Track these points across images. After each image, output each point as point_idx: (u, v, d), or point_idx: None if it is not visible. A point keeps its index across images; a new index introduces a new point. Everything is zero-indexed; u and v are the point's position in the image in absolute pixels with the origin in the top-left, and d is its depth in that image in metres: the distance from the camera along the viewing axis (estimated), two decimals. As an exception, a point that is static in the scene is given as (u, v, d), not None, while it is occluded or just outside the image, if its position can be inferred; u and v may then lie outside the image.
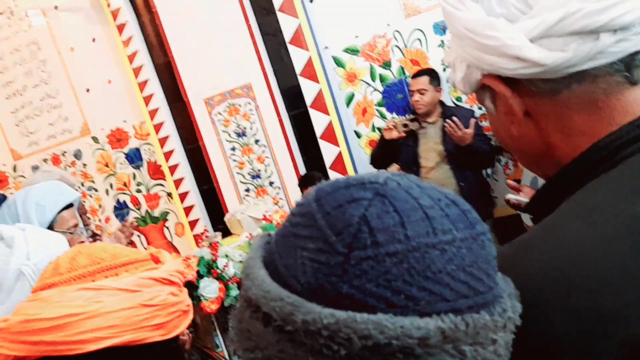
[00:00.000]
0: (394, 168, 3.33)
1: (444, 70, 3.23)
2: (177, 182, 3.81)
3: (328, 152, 3.46)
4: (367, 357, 0.36)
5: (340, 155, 3.44)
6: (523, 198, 1.80)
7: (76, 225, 1.79)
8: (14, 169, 4.31)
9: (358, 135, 3.57)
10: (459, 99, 3.32)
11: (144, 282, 0.81)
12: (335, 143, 3.43)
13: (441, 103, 3.17)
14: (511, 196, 1.83)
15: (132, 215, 4.07)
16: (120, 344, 0.74)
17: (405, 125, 3.11)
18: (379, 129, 3.44)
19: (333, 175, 3.47)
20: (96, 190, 4.11)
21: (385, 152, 3.23)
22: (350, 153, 3.47)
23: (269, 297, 0.40)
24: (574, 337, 0.46)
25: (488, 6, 0.57)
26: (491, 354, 0.39)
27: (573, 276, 0.48)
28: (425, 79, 3.09)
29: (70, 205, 1.82)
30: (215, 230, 3.84)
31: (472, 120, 2.85)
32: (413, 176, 0.44)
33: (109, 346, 0.74)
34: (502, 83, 0.59)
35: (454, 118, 2.84)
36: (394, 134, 3.10)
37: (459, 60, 0.63)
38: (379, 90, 3.49)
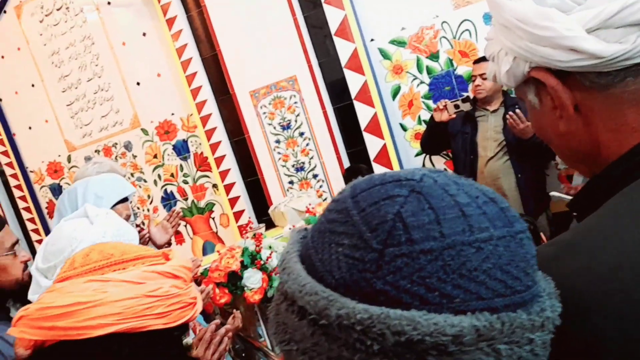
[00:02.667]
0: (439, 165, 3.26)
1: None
2: (223, 174, 3.86)
3: (372, 144, 3.43)
4: (400, 352, 0.36)
5: (384, 147, 3.41)
6: (566, 195, 1.75)
7: (128, 217, 1.86)
8: (69, 160, 4.47)
9: (404, 128, 3.52)
10: (510, 91, 3.22)
11: (148, 275, 0.87)
12: (380, 136, 3.39)
13: (504, 92, 3.08)
14: (554, 193, 1.78)
15: (179, 206, 4.16)
16: (123, 330, 0.80)
17: (456, 107, 3.02)
18: (425, 122, 3.38)
19: (377, 168, 3.44)
20: (145, 180, 4.22)
21: (436, 135, 3.16)
22: (395, 146, 3.42)
23: (304, 291, 0.40)
24: (620, 343, 0.44)
25: None
26: (527, 354, 0.38)
27: (622, 281, 0.46)
28: (488, 64, 3.00)
29: (125, 199, 1.88)
30: (259, 222, 3.87)
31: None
32: (450, 173, 0.44)
33: (114, 332, 0.80)
34: (553, 76, 0.57)
35: (517, 111, 2.75)
36: (445, 116, 3.03)
37: (505, 51, 0.60)
38: (425, 83, 3.43)
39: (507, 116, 2.79)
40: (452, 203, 0.40)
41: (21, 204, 4.64)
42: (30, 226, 4.64)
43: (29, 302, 1.49)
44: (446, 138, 3.15)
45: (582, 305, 0.46)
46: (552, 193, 1.78)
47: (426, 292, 0.37)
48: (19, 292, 1.44)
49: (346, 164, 3.59)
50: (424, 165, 3.51)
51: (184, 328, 0.92)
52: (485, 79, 2.98)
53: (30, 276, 1.48)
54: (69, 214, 1.81)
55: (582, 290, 0.47)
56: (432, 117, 3.14)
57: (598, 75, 0.54)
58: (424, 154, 3.48)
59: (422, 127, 3.42)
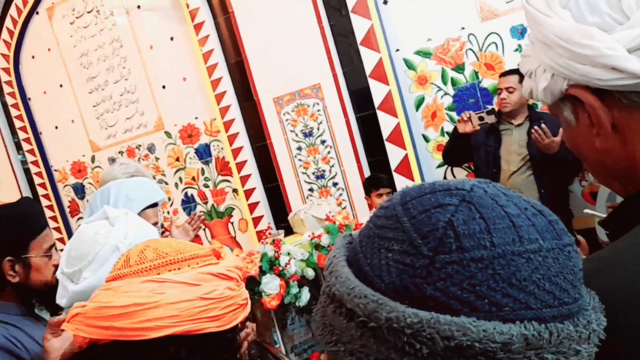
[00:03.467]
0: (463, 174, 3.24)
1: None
2: (244, 179, 3.88)
3: (394, 154, 3.42)
4: (449, 357, 0.37)
5: (406, 158, 3.40)
6: (600, 213, 1.74)
7: (156, 223, 1.87)
8: (92, 160, 4.54)
9: (426, 139, 3.51)
10: (534, 105, 3.19)
11: (203, 277, 0.86)
12: (402, 146, 3.38)
13: (529, 106, 3.05)
14: (588, 211, 1.77)
15: (198, 209, 4.19)
16: (179, 332, 0.80)
17: (481, 119, 3.00)
18: (448, 134, 3.36)
19: (398, 178, 3.43)
20: (166, 183, 4.26)
21: (458, 147, 3.14)
22: (416, 156, 3.41)
23: (353, 294, 0.41)
24: None
25: (579, 14, 0.54)
26: None
27: None
28: (514, 78, 2.98)
29: (155, 204, 1.90)
30: (277, 228, 3.88)
31: (562, 129, 2.72)
32: (499, 184, 0.45)
33: (170, 334, 0.79)
34: (591, 94, 0.57)
35: (543, 125, 2.72)
36: (468, 127, 3.01)
37: (543, 68, 0.61)
38: (450, 94, 3.42)
39: (532, 131, 2.76)
40: (502, 213, 0.41)
41: (44, 202, 4.71)
42: (52, 224, 4.71)
43: (55, 304, 1.51)
44: (469, 150, 3.13)
45: (617, 322, 0.46)
46: (586, 210, 1.77)
47: (476, 299, 0.38)
48: (45, 293, 1.46)
49: (367, 173, 3.58)
50: (445, 177, 3.49)
51: (235, 330, 0.91)
52: (511, 92, 2.96)
53: (57, 280, 1.51)
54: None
55: (617, 307, 0.47)
56: (455, 129, 3.12)
57: (637, 95, 0.54)
58: (445, 166, 3.46)
59: (445, 139, 3.40)
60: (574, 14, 0.55)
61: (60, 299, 1.28)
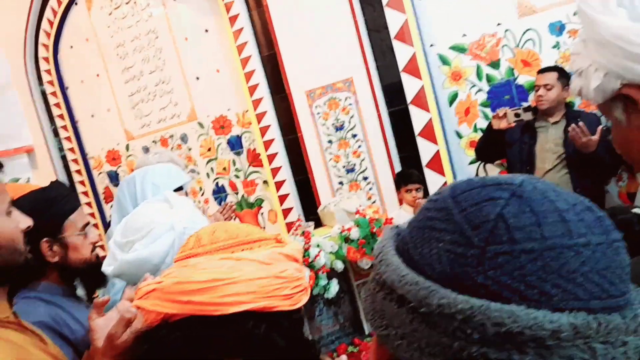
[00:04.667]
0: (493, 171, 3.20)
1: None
2: (274, 171, 3.92)
3: (426, 150, 3.41)
4: (499, 342, 0.38)
5: (438, 154, 3.38)
6: None
7: None
8: (127, 148, 4.64)
9: (459, 135, 3.48)
10: (571, 103, 3.14)
11: (276, 257, 0.88)
12: (434, 141, 3.37)
13: (566, 104, 3.00)
14: (637, 210, 1.74)
15: (229, 199, 4.24)
16: (256, 309, 0.82)
17: (517, 115, 2.96)
18: (482, 130, 3.33)
19: (429, 174, 3.41)
20: (198, 173, 4.33)
21: (492, 143, 3.11)
22: (449, 152, 3.39)
23: (404, 282, 0.44)
24: None
25: (635, 13, 0.54)
26: (621, 356, 0.40)
27: None
28: (553, 75, 2.94)
29: (180, 188, 1.94)
30: (306, 220, 3.91)
31: (600, 127, 2.68)
32: (548, 181, 0.46)
33: (247, 310, 0.81)
34: None
35: (581, 123, 2.68)
36: (504, 124, 2.98)
37: (595, 67, 0.60)
38: (484, 90, 3.38)
39: (570, 129, 2.72)
40: (552, 208, 0.42)
41: (80, 188, 4.83)
42: (86, 210, 4.83)
43: (95, 282, 1.57)
44: (503, 147, 3.10)
45: None
46: (635, 210, 1.73)
47: (526, 288, 0.39)
48: (85, 271, 1.51)
49: (397, 168, 3.58)
50: (477, 174, 3.46)
51: (301, 312, 0.93)
52: (549, 89, 2.92)
53: (97, 257, 1.56)
54: (127, 201, 1.89)
55: None
56: (490, 125, 3.09)
57: None
58: (478, 162, 3.43)
59: (478, 135, 3.37)
60: (630, 12, 0.54)
61: (107, 267, 1.34)
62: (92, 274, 1.53)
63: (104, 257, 1.41)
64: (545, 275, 0.39)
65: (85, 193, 4.84)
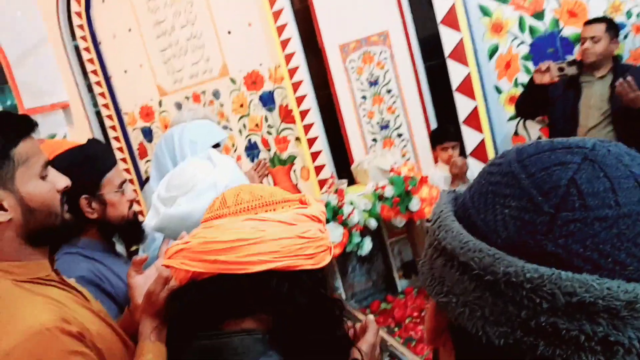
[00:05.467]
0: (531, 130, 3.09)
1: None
2: (307, 128, 3.88)
3: (463, 106, 3.31)
4: (570, 312, 0.37)
5: (475, 110, 3.27)
6: None
7: None
8: (160, 104, 4.65)
9: (498, 90, 3.35)
10: (619, 56, 2.97)
11: (299, 217, 0.91)
12: (472, 97, 3.26)
13: (614, 58, 2.85)
14: None
15: (261, 156, 4.24)
16: (279, 267, 0.86)
17: (561, 70, 2.82)
18: (523, 85, 3.19)
19: (466, 130, 3.32)
20: (230, 129, 4.32)
21: (533, 99, 2.99)
22: (487, 108, 3.28)
23: (466, 248, 0.42)
24: None
25: None
26: None
27: None
28: (601, 27, 2.77)
29: (218, 145, 1.94)
30: (338, 177, 3.88)
31: None
32: (621, 144, 0.44)
33: (271, 269, 0.84)
34: None
35: (629, 78, 2.54)
36: (546, 78, 2.85)
37: None
38: (526, 43, 3.22)
39: (617, 83, 2.58)
40: (628, 173, 0.40)
41: (115, 144, 4.91)
42: (122, 165, 4.91)
43: (133, 238, 1.59)
44: (545, 103, 2.98)
45: None
46: None
47: (599, 257, 0.38)
48: (124, 227, 1.53)
49: (433, 124, 3.49)
50: (516, 131, 3.35)
51: (324, 270, 0.96)
52: (596, 42, 2.76)
53: (135, 214, 1.58)
54: (166, 158, 1.90)
55: None
56: (532, 79, 2.96)
57: None
58: (517, 118, 3.32)
59: (518, 91, 3.24)
60: None
61: (151, 220, 1.37)
62: (130, 231, 1.55)
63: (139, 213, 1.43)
64: (619, 244, 0.38)
65: (120, 149, 4.90)
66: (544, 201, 0.40)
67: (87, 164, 1.45)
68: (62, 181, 1.09)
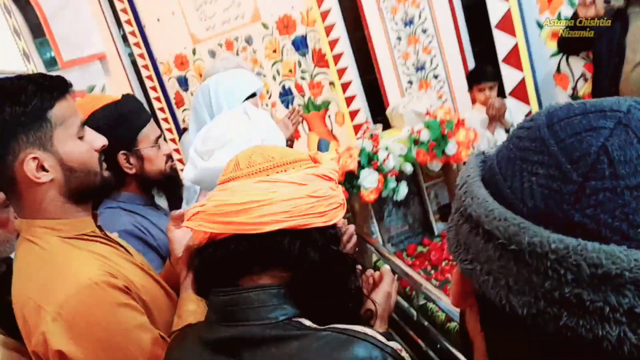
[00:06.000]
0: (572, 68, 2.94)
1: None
2: (340, 72, 3.82)
3: (502, 43, 3.17)
4: (595, 284, 0.36)
5: (516, 47, 3.14)
6: None
7: None
8: (194, 52, 4.64)
9: (540, 25, 3.19)
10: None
11: (309, 177, 0.94)
12: (512, 33, 3.11)
13: None
14: None
15: (296, 102, 4.22)
16: (291, 227, 0.88)
17: (607, 1, 2.66)
18: (566, 19, 3.03)
19: (505, 69, 3.20)
20: (264, 75, 4.30)
21: (578, 34, 2.84)
22: (528, 45, 3.14)
23: (491, 216, 0.41)
24: None
25: None
26: None
27: None
28: None
29: (254, 95, 1.94)
30: (374, 121, 3.84)
31: None
32: None
33: (283, 228, 0.88)
34: None
35: None
36: (591, 12, 2.68)
37: None
38: (571, -27, 3.03)
39: None
40: None
41: (152, 94, 4.97)
42: (160, 115, 4.99)
43: (172, 191, 1.64)
44: (589, 37, 2.82)
45: None
46: None
47: (629, 228, 0.36)
48: (162, 181, 1.58)
49: (471, 64, 3.38)
50: (558, 68, 3.21)
51: (336, 226, 1.00)
52: None
53: (172, 168, 1.62)
54: (203, 110, 1.91)
55: None
56: (575, 13, 2.80)
57: None
58: (560, 55, 3.16)
59: (562, 25, 3.07)
60: None
61: (188, 173, 1.42)
62: (168, 184, 1.60)
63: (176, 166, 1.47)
64: None
65: (158, 99, 4.97)
66: (572, 169, 0.39)
67: (122, 121, 1.49)
68: (99, 140, 1.12)
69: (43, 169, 1.02)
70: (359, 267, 1.07)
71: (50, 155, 1.02)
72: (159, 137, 1.58)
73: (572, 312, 0.37)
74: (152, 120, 1.60)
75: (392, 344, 0.86)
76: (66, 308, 0.94)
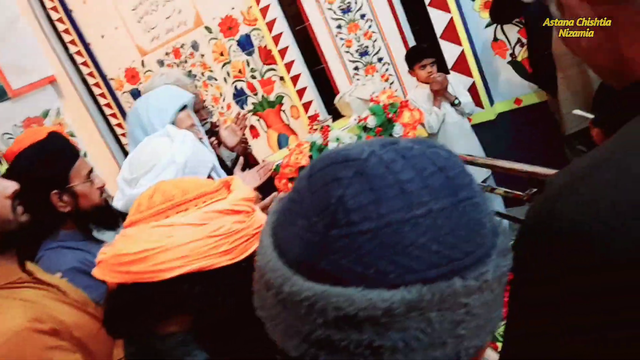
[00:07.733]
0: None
1: None
2: (288, 66, 3.84)
3: (438, 20, 3.22)
4: (340, 325, 0.40)
5: (452, 22, 3.18)
6: (589, 114, 1.62)
7: (193, 125, 1.92)
8: (142, 64, 4.61)
9: (471, -2, 3.24)
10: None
11: (209, 216, 0.89)
12: (446, 9, 3.16)
13: None
14: (577, 111, 1.65)
15: (249, 101, 4.23)
16: (191, 270, 0.84)
17: None
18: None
19: (445, 45, 3.25)
20: (215, 79, 4.30)
21: (507, 1, 2.87)
22: (463, 18, 3.19)
23: (268, 267, 0.45)
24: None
25: None
26: (462, 316, 0.40)
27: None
28: None
29: (185, 107, 1.94)
30: (328, 111, 3.88)
31: None
32: (408, 144, 0.45)
33: (183, 273, 0.84)
34: None
35: None
36: None
37: None
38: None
39: None
40: (393, 181, 0.41)
41: (107, 111, 4.93)
42: (118, 131, 4.96)
43: (108, 223, 1.65)
44: (519, 4, 2.87)
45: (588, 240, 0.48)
46: (575, 111, 1.65)
47: (363, 269, 0.39)
48: (97, 214, 1.60)
49: (411, 43, 3.42)
50: (495, 36, 3.26)
51: (250, 259, 0.93)
52: None
53: (106, 200, 1.64)
54: (139, 132, 1.91)
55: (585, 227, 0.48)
56: None
57: None
58: (494, 25, 3.22)
59: (493, -5, 3.12)
60: None
61: (117, 202, 1.43)
62: (104, 217, 1.61)
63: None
64: (381, 253, 0.39)
65: (114, 115, 4.93)
66: (318, 221, 0.42)
67: (50, 160, 1.49)
68: (10, 187, 1.14)
69: None
70: None
71: None
72: (90, 171, 1.59)
73: (328, 351, 0.41)
74: (81, 156, 1.61)
75: None
76: None
